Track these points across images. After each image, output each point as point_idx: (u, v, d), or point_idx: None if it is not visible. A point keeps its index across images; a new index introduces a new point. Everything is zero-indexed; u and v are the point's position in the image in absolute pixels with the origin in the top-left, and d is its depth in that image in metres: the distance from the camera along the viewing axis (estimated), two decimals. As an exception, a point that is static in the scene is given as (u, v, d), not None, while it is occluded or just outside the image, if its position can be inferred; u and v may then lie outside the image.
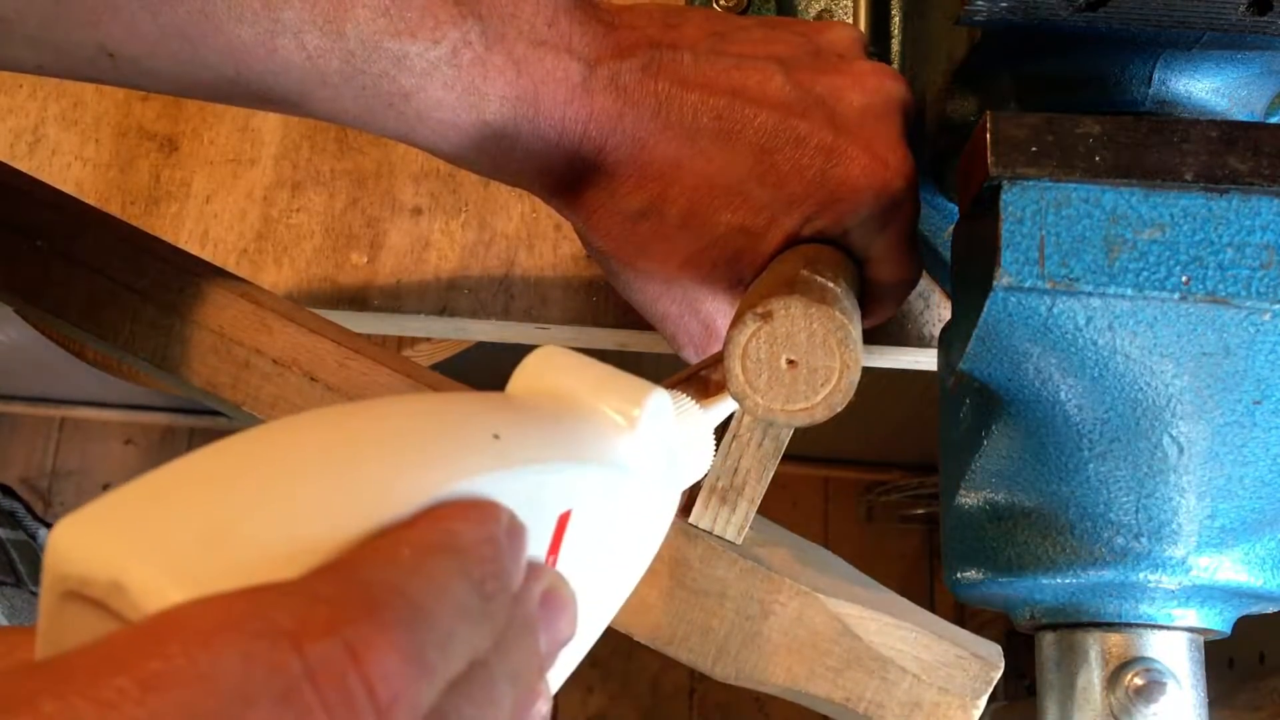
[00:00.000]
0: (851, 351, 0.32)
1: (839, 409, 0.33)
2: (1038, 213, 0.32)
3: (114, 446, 1.68)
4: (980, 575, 0.38)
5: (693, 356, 0.45)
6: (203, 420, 1.68)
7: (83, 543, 0.18)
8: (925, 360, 0.55)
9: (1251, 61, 0.38)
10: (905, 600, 0.42)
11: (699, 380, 0.36)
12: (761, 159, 0.39)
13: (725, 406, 0.36)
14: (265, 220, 0.57)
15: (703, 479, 0.38)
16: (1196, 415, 0.34)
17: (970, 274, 0.36)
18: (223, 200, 0.57)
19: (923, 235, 0.51)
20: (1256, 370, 0.33)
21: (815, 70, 0.40)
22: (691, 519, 0.40)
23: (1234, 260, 0.32)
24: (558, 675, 0.28)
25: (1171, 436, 0.34)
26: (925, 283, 0.54)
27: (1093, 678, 0.35)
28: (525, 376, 0.30)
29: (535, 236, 0.56)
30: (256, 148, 0.58)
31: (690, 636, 0.40)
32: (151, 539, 0.18)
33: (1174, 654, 0.35)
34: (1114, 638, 0.36)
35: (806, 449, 1.65)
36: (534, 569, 0.23)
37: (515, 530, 0.22)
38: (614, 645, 0.32)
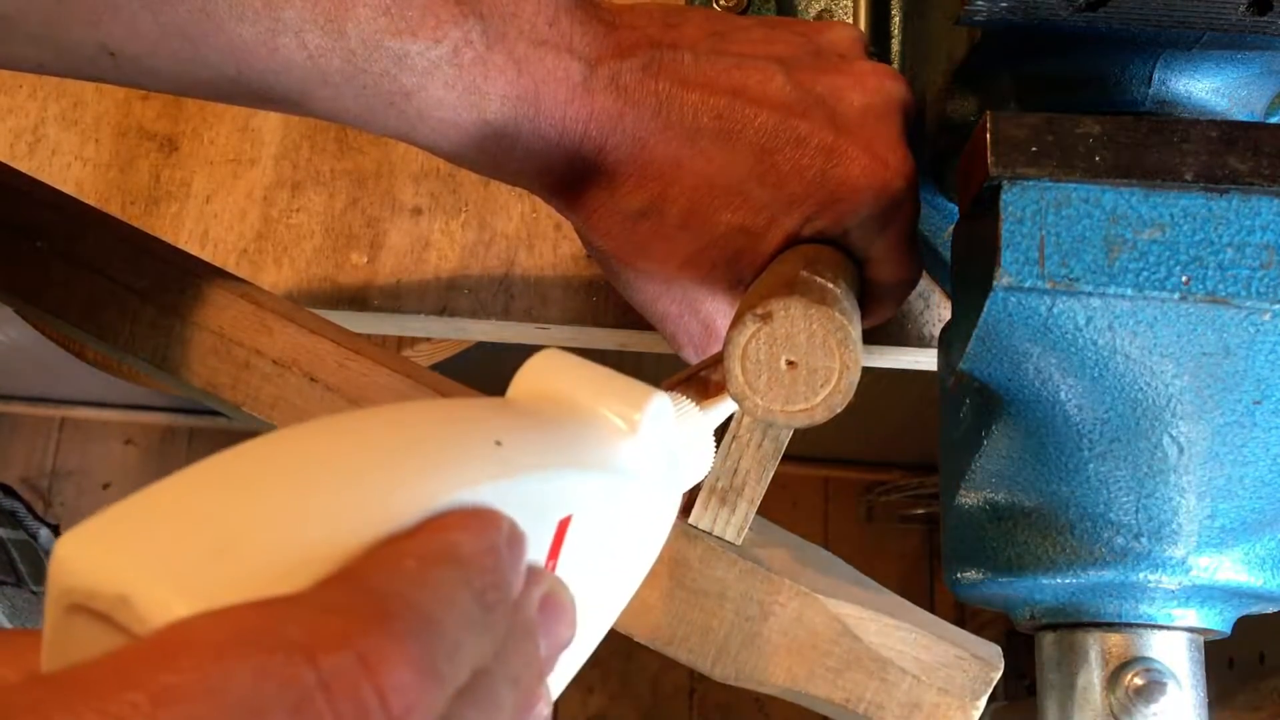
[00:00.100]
0: (851, 352, 0.32)
1: (839, 410, 0.33)
2: (1038, 213, 0.32)
3: (114, 446, 1.68)
4: (980, 575, 0.37)
5: (692, 356, 0.45)
6: (203, 420, 1.68)
7: (88, 556, 0.18)
8: (925, 360, 0.55)
9: (1251, 61, 0.38)
10: (905, 601, 0.42)
11: (698, 381, 0.36)
12: (762, 159, 0.39)
13: (725, 407, 0.36)
14: (265, 220, 0.57)
15: (702, 480, 0.38)
16: (1196, 415, 0.34)
17: (970, 274, 0.36)
18: (223, 200, 0.57)
19: (923, 235, 0.51)
20: (1256, 370, 0.33)
21: (816, 70, 0.40)
22: (691, 520, 0.40)
23: (1234, 260, 0.32)
24: (559, 679, 0.28)
25: (1171, 436, 0.34)
26: (925, 283, 0.54)
27: (1093, 678, 0.35)
28: (526, 380, 0.30)
29: (535, 236, 0.56)
30: (256, 148, 0.58)
31: (690, 637, 0.40)
32: (157, 552, 0.18)
33: (1174, 654, 0.35)
34: (1114, 638, 0.36)
35: (806, 449, 1.65)
36: (533, 574, 0.23)
37: (515, 539, 0.22)
38: (614, 645, 0.32)
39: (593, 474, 0.27)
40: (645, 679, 1.58)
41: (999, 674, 0.40)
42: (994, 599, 0.38)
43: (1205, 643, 0.36)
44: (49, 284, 0.43)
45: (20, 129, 0.59)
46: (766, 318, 0.32)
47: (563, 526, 0.25)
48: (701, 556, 0.40)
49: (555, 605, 0.23)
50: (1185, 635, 0.36)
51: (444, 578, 0.19)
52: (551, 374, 0.30)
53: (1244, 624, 0.38)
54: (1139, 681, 0.35)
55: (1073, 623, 0.36)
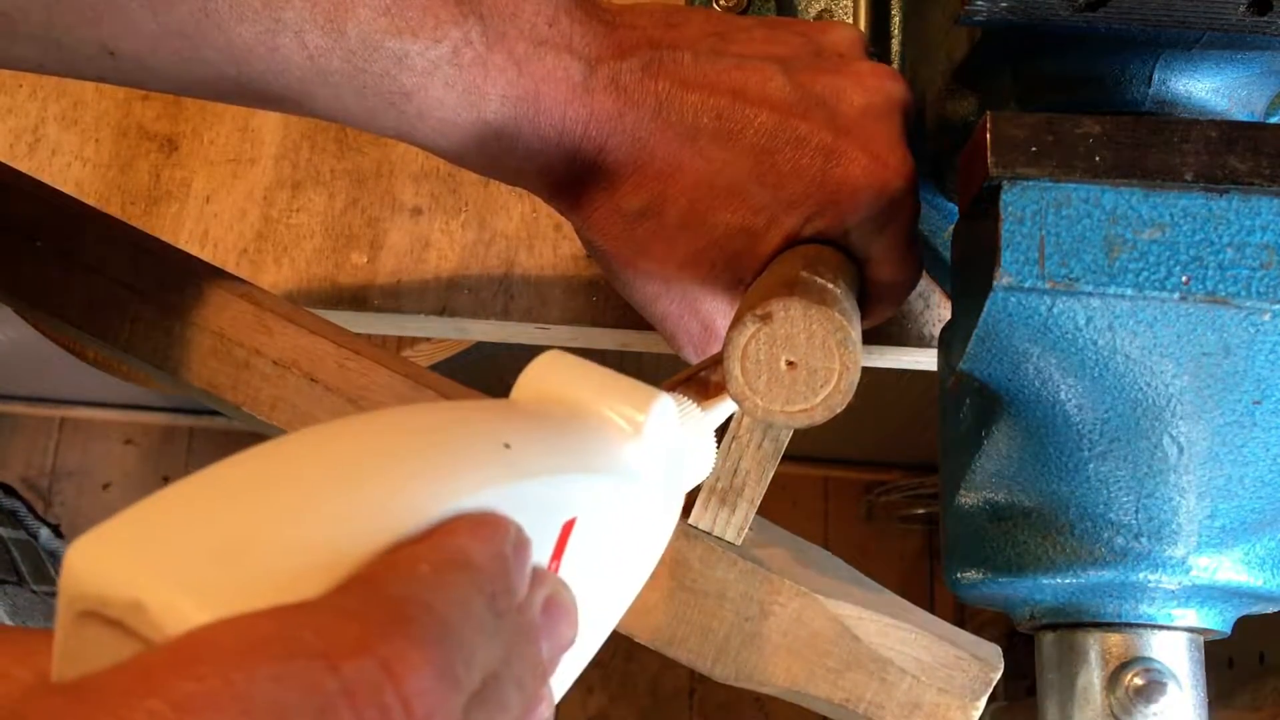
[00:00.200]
0: (851, 353, 0.32)
1: (838, 410, 0.33)
2: (1038, 213, 0.32)
3: (114, 446, 1.68)
4: (980, 575, 0.37)
5: (692, 356, 0.45)
6: (203, 420, 1.68)
7: (100, 561, 0.18)
8: (925, 360, 0.55)
9: (1251, 61, 0.38)
10: (905, 601, 0.42)
11: (698, 381, 0.36)
12: (761, 159, 0.39)
13: (725, 408, 0.36)
14: (265, 220, 0.57)
15: (703, 480, 0.38)
16: (1196, 415, 0.34)
17: (970, 274, 0.36)
18: (223, 200, 0.57)
19: (923, 235, 0.51)
20: (1256, 370, 0.33)
21: (815, 70, 0.40)
22: (691, 520, 0.40)
23: (1234, 260, 0.32)
24: (563, 680, 0.28)
25: (1171, 436, 0.34)
26: (925, 283, 0.54)
27: (1093, 678, 0.35)
28: (530, 382, 0.30)
29: (535, 236, 0.56)
30: (256, 148, 0.58)
31: (690, 637, 0.40)
32: (170, 558, 0.18)
33: (1174, 654, 0.35)
34: (1114, 638, 0.36)
35: (806, 449, 1.65)
36: (537, 576, 0.23)
37: (521, 545, 0.22)
38: (614, 646, 0.32)
39: (598, 477, 0.27)
40: (645, 679, 1.58)
41: (999, 674, 0.40)
42: (994, 599, 0.38)
43: (1205, 643, 0.36)
44: (48, 284, 0.43)
45: (20, 129, 0.59)
46: (766, 318, 0.32)
47: (567, 528, 0.25)
48: (702, 556, 0.40)
49: (558, 607, 0.24)
50: (1185, 635, 0.36)
51: (458, 583, 0.19)
52: (556, 375, 0.30)
53: (1244, 624, 0.38)
54: (1139, 681, 0.35)
55: (1073, 623, 0.36)
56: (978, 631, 0.42)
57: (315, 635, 0.17)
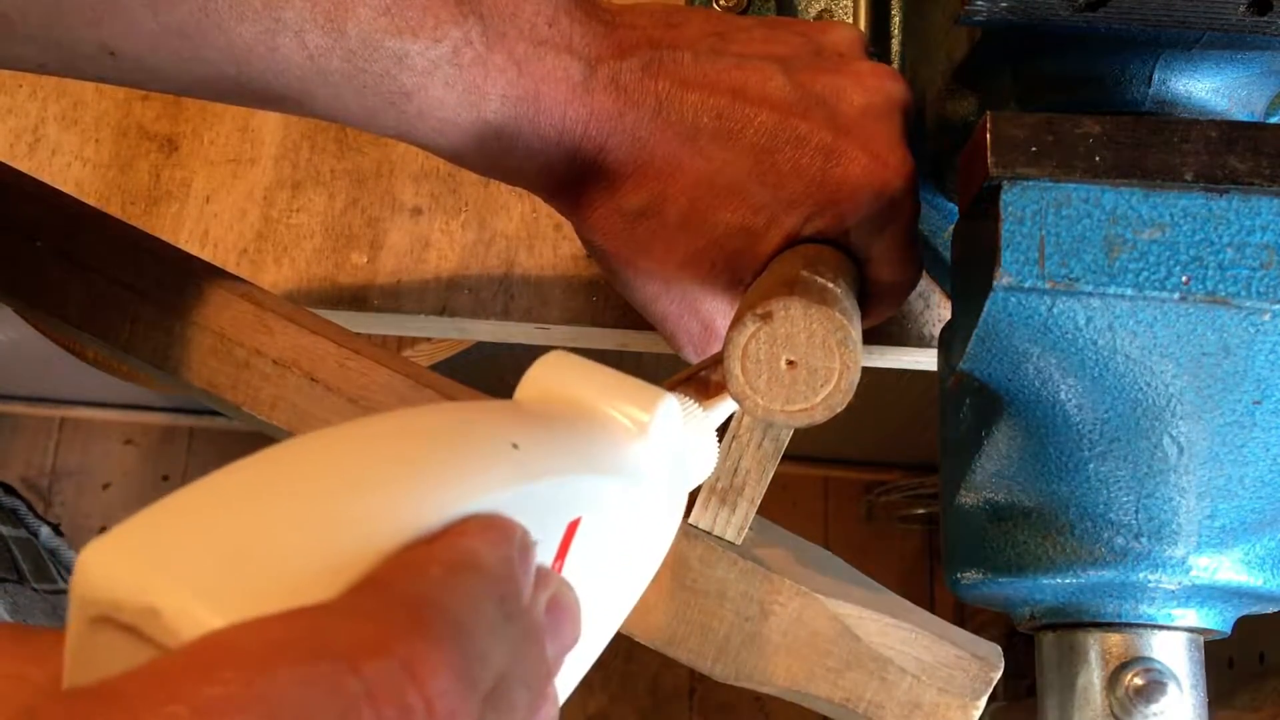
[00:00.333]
0: (851, 352, 0.32)
1: (839, 410, 0.33)
2: (1038, 213, 0.32)
3: (114, 446, 1.68)
4: (980, 575, 0.37)
5: (692, 356, 0.45)
6: (203, 420, 1.68)
7: (113, 567, 0.18)
8: (925, 360, 0.55)
9: (1251, 61, 0.38)
10: (905, 601, 0.42)
11: (699, 381, 0.36)
12: (761, 159, 0.39)
13: (726, 407, 0.36)
14: (265, 220, 0.57)
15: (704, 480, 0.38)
16: (1196, 415, 0.34)
17: (970, 274, 0.36)
18: (223, 200, 0.57)
19: (923, 235, 0.51)
20: (1256, 370, 0.33)
21: (815, 70, 0.40)
22: (691, 519, 0.40)
23: (1234, 260, 0.32)
24: (567, 681, 0.28)
25: (1171, 436, 0.34)
26: (925, 283, 0.54)
27: (1093, 678, 0.35)
28: (534, 383, 0.30)
29: (535, 236, 0.56)
30: (256, 148, 0.58)
31: (690, 637, 0.40)
32: (183, 562, 0.18)
33: (1174, 654, 0.35)
34: (1114, 638, 0.36)
35: (806, 449, 1.65)
36: (541, 576, 0.23)
37: (526, 547, 0.22)
38: (614, 645, 0.32)
39: (604, 477, 0.27)
40: (645, 679, 1.58)
41: (999, 674, 0.40)
42: (994, 599, 0.38)
43: (1205, 643, 0.36)
44: (48, 284, 0.43)
45: (20, 129, 0.59)
46: (766, 318, 0.32)
47: (571, 528, 0.25)
48: (702, 556, 0.40)
49: (561, 608, 0.24)
50: (1185, 635, 0.36)
51: (469, 585, 0.19)
52: (560, 375, 0.30)
53: (1244, 624, 0.38)
54: (1139, 681, 0.35)
55: (1073, 623, 0.36)
56: (978, 631, 0.42)
57: (335, 637, 0.17)
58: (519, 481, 0.23)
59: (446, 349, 0.88)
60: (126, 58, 0.34)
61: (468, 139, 0.38)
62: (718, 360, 0.35)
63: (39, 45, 0.33)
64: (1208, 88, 0.39)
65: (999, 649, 0.40)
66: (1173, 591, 0.35)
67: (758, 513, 0.40)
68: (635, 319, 0.49)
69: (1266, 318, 0.32)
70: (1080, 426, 0.35)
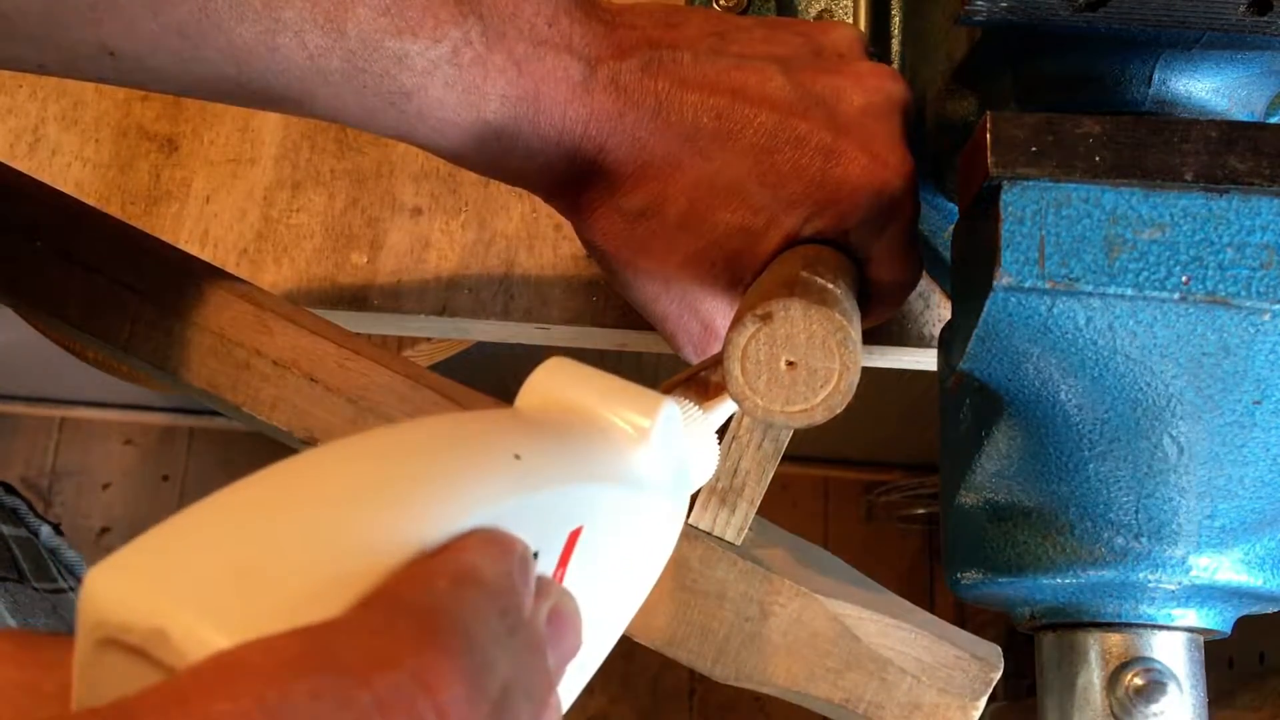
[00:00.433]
0: (851, 353, 0.32)
1: (839, 410, 0.33)
2: (1038, 213, 0.32)
3: (114, 446, 1.68)
4: (980, 575, 0.37)
5: (692, 356, 0.45)
6: (203, 420, 1.68)
7: (120, 589, 0.18)
8: (925, 360, 0.55)
9: (1251, 61, 0.38)
10: (905, 601, 0.42)
11: (698, 382, 0.36)
12: (761, 159, 0.39)
13: (726, 408, 0.36)
14: (265, 220, 0.57)
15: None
16: (1196, 415, 0.34)
17: (970, 274, 0.36)
18: (223, 200, 0.57)
19: (923, 235, 0.51)
20: (1256, 370, 0.33)
21: (815, 70, 0.40)
22: (691, 520, 0.40)
23: (1234, 260, 0.32)
24: (570, 689, 0.28)
25: (1171, 436, 0.34)
26: (925, 283, 0.54)
27: (1093, 678, 0.35)
28: (535, 390, 0.30)
29: (535, 236, 0.56)
30: (256, 148, 0.58)
31: (690, 638, 0.40)
32: (189, 583, 0.18)
33: (1174, 654, 0.35)
34: (1114, 638, 0.36)
35: (806, 449, 1.65)
36: (542, 586, 0.23)
37: (526, 561, 0.22)
38: (614, 646, 0.32)
39: (606, 485, 0.27)
40: (645, 679, 1.58)
41: (999, 674, 0.40)
42: (994, 599, 0.38)
43: (1205, 643, 0.36)
44: (48, 284, 0.43)
45: (20, 129, 0.59)
46: (766, 318, 0.32)
47: (573, 537, 0.25)
48: (702, 557, 0.40)
49: (563, 618, 0.24)
50: (1185, 635, 0.36)
51: (474, 597, 0.20)
52: (560, 382, 0.30)
53: (1244, 624, 0.38)
54: (1139, 681, 0.35)
55: (1073, 623, 0.36)
56: (978, 631, 0.42)
57: (344, 650, 0.17)
58: (521, 492, 0.23)
59: (446, 349, 0.88)
60: (126, 58, 0.34)
61: (467, 139, 0.38)
62: (717, 361, 0.35)
63: (38, 45, 0.33)
64: (1208, 88, 0.39)
65: (999, 649, 0.40)
66: (1173, 591, 0.35)
67: (758, 513, 0.40)
68: (635, 319, 0.49)
69: (1266, 318, 0.32)
70: (1080, 426, 0.35)
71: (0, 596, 0.48)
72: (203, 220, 0.57)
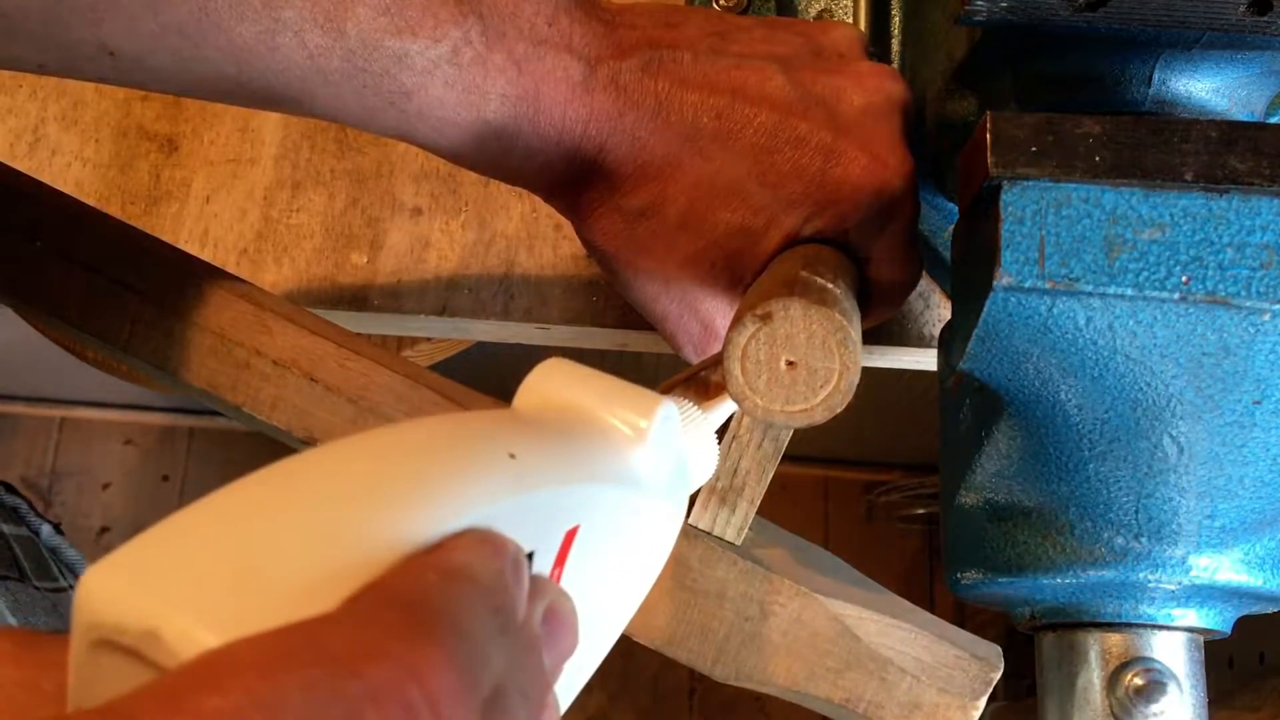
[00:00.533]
0: (851, 353, 0.32)
1: (838, 410, 0.33)
2: (1038, 213, 0.32)
3: (114, 446, 1.68)
4: (980, 575, 0.37)
5: (692, 356, 0.45)
6: (203, 420, 1.68)
7: (113, 590, 0.18)
8: (925, 360, 0.55)
9: (1251, 61, 0.38)
10: (905, 601, 0.42)
11: (698, 381, 0.36)
12: (761, 159, 0.39)
13: (726, 408, 0.36)
14: (265, 220, 0.57)
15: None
16: (1196, 415, 0.34)
17: (970, 274, 0.36)
18: (223, 200, 0.57)
19: (923, 235, 0.51)
20: (1256, 370, 0.33)
21: (815, 70, 0.40)
22: (691, 520, 0.40)
23: (1234, 260, 0.32)
24: (568, 690, 0.28)
25: (1171, 436, 0.34)
26: (925, 283, 0.54)
27: (1093, 678, 0.35)
28: (532, 390, 0.30)
29: (535, 236, 0.56)
30: (256, 148, 0.58)
31: (690, 637, 0.40)
32: (182, 584, 0.18)
33: (1174, 654, 0.35)
34: (1114, 638, 0.36)
35: (806, 449, 1.65)
36: (538, 586, 0.23)
37: (519, 562, 0.22)
38: (614, 645, 0.32)
39: (602, 485, 0.27)
40: (645, 679, 1.58)
41: (999, 674, 0.40)
42: (994, 599, 0.38)
43: (1205, 643, 0.36)
44: (48, 284, 0.43)
45: (20, 129, 0.59)
46: (766, 318, 0.32)
47: (569, 536, 0.25)
48: (701, 556, 0.40)
49: (558, 618, 0.24)
50: (1185, 635, 0.36)
51: (465, 592, 0.20)
52: (558, 383, 0.30)
53: (1244, 624, 0.38)
54: (1139, 681, 0.35)
55: (1073, 623, 0.36)
56: (978, 631, 0.42)
57: (334, 643, 0.17)
58: (516, 492, 0.23)
59: (446, 349, 0.88)
60: (126, 58, 0.34)
61: (467, 139, 0.38)
62: (717, 361, 0.35)
63: (39, 45, 0.33)
64: (1208, 88, 0.39)
65: (999, 649, 0.40)
66: (1173, 591, 0.35)
67: (758, 513, 0.40)
68: (635, 319, 0.49)
69: (1266, 318, 0.32)
70: (1080, 426, 0.35)
71: (1, 595, 0.48)
72: (203, 220, 0.57)
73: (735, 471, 0.39)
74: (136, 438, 1.69)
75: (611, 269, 0.43)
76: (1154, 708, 0.34)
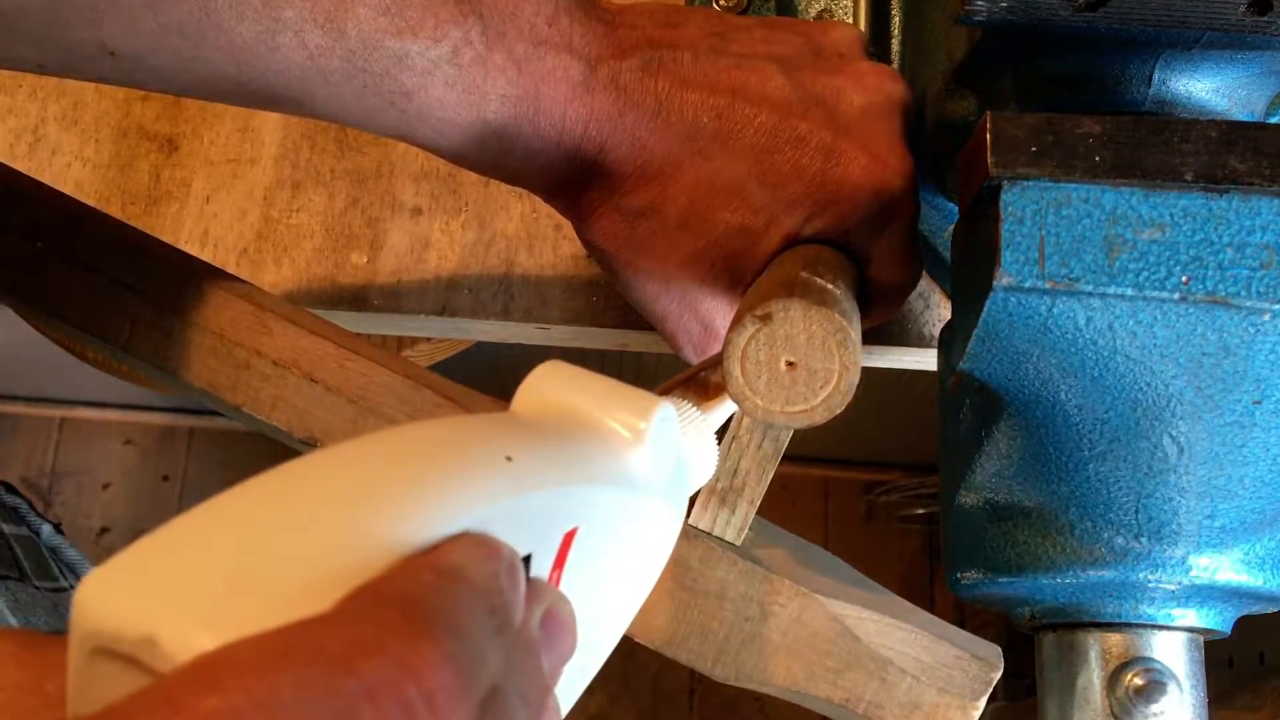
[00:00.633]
0: (851, 354, 0.32)
1: (838, 411, 0.33)
2: (1038, 213, 0.32)
3: (114, 446, 1.68)
4: (980, 575, 0.37)
5: (692, 356, 0.45)
6: (202, 420, 1.68)
7: (110, 598, 0.18)
8: (925, 360, 0.55)
9: (1251, 61, 0.38)
10: (905, 601, 0.42)
11: (698, 382, 0.36)
12: (761, 159, 0.39)
13: (725, 408, 0.36)
14: (265, 220, 0.57)
15: (703, 481, 0.38)
16: (1196, 415, 0.34)
17: (970, 274, 0.36)
18: (223, 200, 0.57)
19: (923, 235, 0.51)
20: (1256, 370, 0.33)
21: (815, 70, 0.40)
22: (691, 520, 0.40)
23: (1234, 260, 0.32)
24: (570, 693, 0.28)
25: (1171, 436, 0.34)
26: (925, 283, 0.54)
27: (1093, 678, 0.35)
28: (530, 393, 0.30)
29: (535, 236, 0.56)
30: (256, 148, 0.58)
31: (690, 638, 0.40)
32: (179, 591, 0.18)
33: (1174, 654, 0.35)
34: (1114, 638, 0.36)
35: (806, 449, 1.65)
36: (536, 589, 0.23)
37: (514, 566, 0.22)
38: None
39: (600, 487, 0.27)
40: (645, 679, 1.58)
41: (999, 674, 0.40)
42: (994, 599, 0.38)
43: (1205, 643, 0.36)
44: (48, 284, 0.43)
45: (20, 129, 0.59)
46: (766, 319, 0.32)
47: (568, 538, 0.25)
48: (701, 557, 0.40)
49: (556, 621, 0.24)
50: (1185, 635, 0.36)
51: (460, 591, 0.20)
52: (555, 385, 0.30)
53: (1244, 624, 0.38)
54: (1139, 681, 0.35)
55: (1073, 623, 0.36)
56: (978, 631, 0.42)
57: (330, 641, 0.17)
58: (512, 494, 0.23)
59: (446, 349, 0.88)
60: (126, 58, 0.34)
61: (467, 139, 0.38)
62: (717, 361, 0.35)
63: (39, 45, 0.33)
64: (1208, 88, 0.39)
65: (999, 649, 0.40)
66: (1173, 591, 0.35)
67: (758, 513, 0.40)
68: (635, 319, 0.49)
69: (1266, 318, 0.32)
70: (1080, 426, 0.35)
71: (2, 595, 0.48)
72: (203, 220, 0.57)
73: (735, 472, 0.39)
74: (136, 438, 1.69)
75: (611, 269, 0.43)
76: (1154, 708, 0.34)
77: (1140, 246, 0.32)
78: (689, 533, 0.40)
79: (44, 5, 0.32)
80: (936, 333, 0.52)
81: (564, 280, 0.55)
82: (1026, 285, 0.32)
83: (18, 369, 1.57)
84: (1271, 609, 0.37)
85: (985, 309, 0.33)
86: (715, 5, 0.53)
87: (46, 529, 0.57)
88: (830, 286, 0.34)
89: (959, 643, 0.40)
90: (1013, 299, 0.33)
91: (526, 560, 0.24)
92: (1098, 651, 0.36)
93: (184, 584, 0.18)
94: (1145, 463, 0.34)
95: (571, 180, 0.40)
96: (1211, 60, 0.37)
